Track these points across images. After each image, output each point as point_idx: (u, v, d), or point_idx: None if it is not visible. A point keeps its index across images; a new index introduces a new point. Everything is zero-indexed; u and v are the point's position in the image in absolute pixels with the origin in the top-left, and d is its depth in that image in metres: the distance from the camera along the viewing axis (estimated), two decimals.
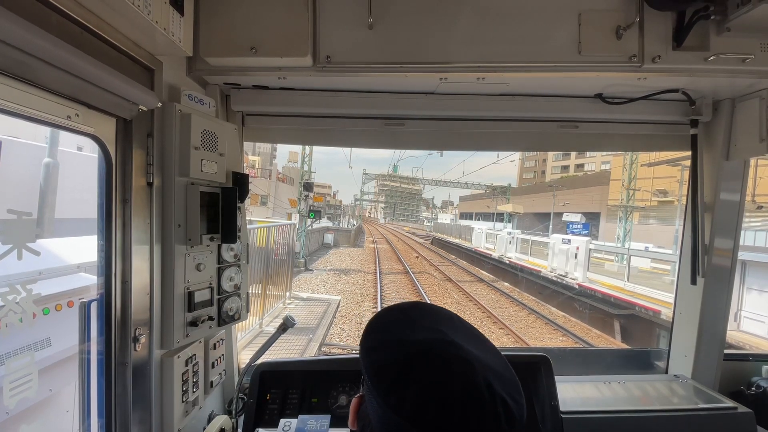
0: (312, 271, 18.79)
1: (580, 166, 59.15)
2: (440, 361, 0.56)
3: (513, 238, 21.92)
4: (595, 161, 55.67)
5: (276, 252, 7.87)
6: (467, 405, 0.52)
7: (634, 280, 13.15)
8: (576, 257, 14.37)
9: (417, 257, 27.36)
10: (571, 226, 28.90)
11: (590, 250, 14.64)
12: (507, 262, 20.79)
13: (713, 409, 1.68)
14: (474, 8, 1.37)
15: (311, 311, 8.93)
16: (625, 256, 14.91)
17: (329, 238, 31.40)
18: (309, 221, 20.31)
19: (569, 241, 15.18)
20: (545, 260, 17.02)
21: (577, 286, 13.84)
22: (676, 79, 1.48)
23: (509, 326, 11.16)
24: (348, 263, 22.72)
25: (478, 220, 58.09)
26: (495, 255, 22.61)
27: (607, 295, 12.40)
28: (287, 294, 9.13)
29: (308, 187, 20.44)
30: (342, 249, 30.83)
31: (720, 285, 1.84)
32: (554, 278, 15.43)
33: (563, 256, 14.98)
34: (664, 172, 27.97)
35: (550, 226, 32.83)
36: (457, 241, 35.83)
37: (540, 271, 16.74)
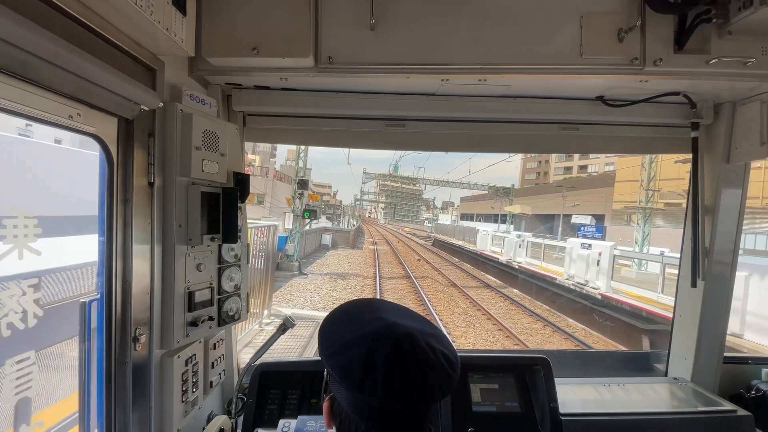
0: (307, 275, 17.58)
1: (583, 168, 58.46)
2: (390, 342, 0.68)
3: (523, 241, 20.17)
4: (598, 162, 55.18)
5: (253, 259, 6.63)
6: (421, 365, 0.66)
7: (669, 291, 11.10)
8: (598, 264, 12.72)
9: (419, 260, 26.34)
10: (582, 228, 26.25)
11: (615, 256, 12.84)
12: (517, 267, 19.14)
13: (713, 412, 1.67)
14: (476, 10, 1.37)
15: (294, 335, 7.28)
16: (649, 262, 12.97)
17: (327, 239, 30.62)
18: (305, 221, 19.16)
19: (590, 246, 13.50)
20: (559, 266, 15.74)
21: (599, 297, 12.30)
22: (678, 81, 1.48)
23: (524, 341, 10.13)
24: (346, 266, 21.72)
25: (479, 221, 57.70)
26: (503, 259, 21.10)
27: (638, 308, 10.91)
28: (265, 312, 7.49)
29: (303, 184, 18.50)
30: (340, 250, 29.81)
31: (720, 288, 1.84)
32: (572, 287, 13.84)
33: (582, 263, 13.42)
34: (672, 172, 26.91)
35: (559, 229, 31.38)
36: (460, 243, 34.29)
37: (555, 279, 15.07)
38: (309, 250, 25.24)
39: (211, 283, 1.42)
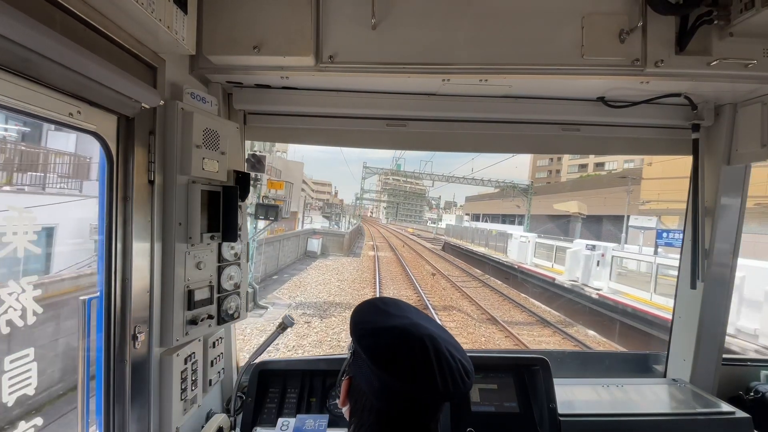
0: (265, 309, 11.42)
1: (600, 165, 54.92)
2: (416, 339, 0.75)
3: (602, 256, 13.47)
4: (617, 159, 51.37)
5: None
6: (442, 366, 0.73)
7: None
8: None
9: (433, 274, 19.66)
10: (665, 236, 14.09)
11: None
12: (596, 296, 12.73)
13: (711, 414, 1.67)
14: (477, 10, 1.37)
15: None
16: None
17: (314, 244, 24.21)
18: (266, 223, 11.39)
19: None
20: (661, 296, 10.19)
21: None
22: (679, 83, 1.48)
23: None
24: (333, 287, 15.07)
25: (485, 221, 56.42)
26: (562, 280, 14.62)
27: None
28: None
29: (256, 164, 8.48)
30: (331, 260, 23.24)
31: (719, 289, 1.84)
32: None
33: None
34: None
35: (623, 236, 21.90)
36: (482, 250, 27.00)
37: None
38: (286, 261, 19.05)
39: (210, 282, 1.42)
